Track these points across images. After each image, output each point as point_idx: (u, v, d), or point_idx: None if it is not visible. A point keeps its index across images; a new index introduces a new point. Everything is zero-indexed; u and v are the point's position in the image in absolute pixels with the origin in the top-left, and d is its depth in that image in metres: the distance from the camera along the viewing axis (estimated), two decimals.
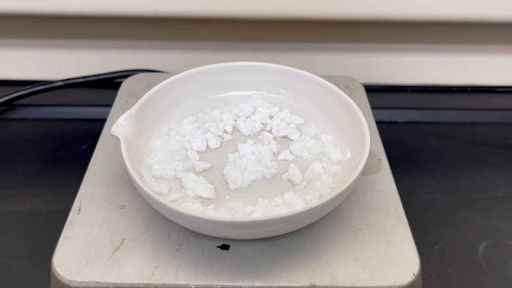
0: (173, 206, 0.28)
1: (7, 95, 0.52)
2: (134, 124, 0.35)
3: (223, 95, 0.42)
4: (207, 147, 0.37)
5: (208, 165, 0.35)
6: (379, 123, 0.43)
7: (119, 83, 0.48)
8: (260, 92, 0.42)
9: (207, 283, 0.30)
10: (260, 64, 0.41)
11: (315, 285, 0.30)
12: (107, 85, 0.56)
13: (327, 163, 0.36)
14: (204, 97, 0.41)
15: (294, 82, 0.40)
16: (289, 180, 0.34)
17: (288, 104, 0.41)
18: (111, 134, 0.34)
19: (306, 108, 0.41)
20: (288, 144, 0.37)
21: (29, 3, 0.50)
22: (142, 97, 0.37)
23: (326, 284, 0.30)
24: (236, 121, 0.39)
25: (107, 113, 0.44)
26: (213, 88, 0.41)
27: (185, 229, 0.33)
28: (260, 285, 0.30)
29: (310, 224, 0.33)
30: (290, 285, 0.30)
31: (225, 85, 0.41)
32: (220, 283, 0.30)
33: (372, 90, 0.57)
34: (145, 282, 0.30)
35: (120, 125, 0.34)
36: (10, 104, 0.53)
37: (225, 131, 0.38)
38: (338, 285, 0.30)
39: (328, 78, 0.42)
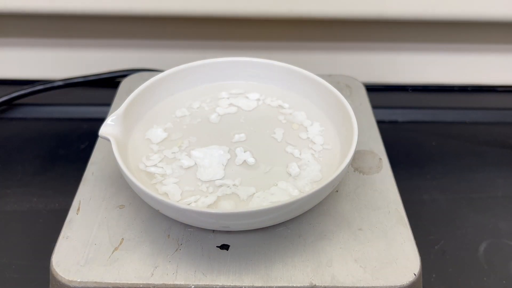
0: (169, 201, 0.29)
1: (7, 94, 0.52)
2: (123, 123, 0.35)
3: (211, 87, 0.42)
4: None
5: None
6: (379, 123, 0.43)
7: (119, 83, 0.48)
8: (249, 82, 0.42)
9: (207, 283, 0.29)
10: (247, 59, 0.41)
11: (315, 285, 0.29)
12: (107, 84, 0.56)
13: (316, 150, 0.36)
14: (194, 92, 0.42)
15: (281, 76, 0.41)
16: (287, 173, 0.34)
17: (277, 96, 0.42)
18: (100, 136, 0.34)
19: (295, 100, 0.41)
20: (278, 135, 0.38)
21: (29, 2, 0.50)
22: (130, 96, 0.37)
23: (326, 284, 0.30)
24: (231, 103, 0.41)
25: (107, 113, 0.44)
26: (201, 83, 0.42)
27: (185, 228, 0.33)
28: (260, 285, 0.29)
29: (310, 224, 0.33)
30: (290, 285, 0.30)
31: (213, 79, 0.42)
32: (220, 283, 0.30)
33: (373, 89, 0.56)
34: (144, 282, 0.29)
35: (109, 126, 0.34)
36: (10, 104, 0.53)
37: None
38: (339, 285, 0.29)
39: (328, 77, 0.42)
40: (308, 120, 0.39)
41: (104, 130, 0.34)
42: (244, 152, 0.36)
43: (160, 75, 0.39)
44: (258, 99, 0.41)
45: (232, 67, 0.42)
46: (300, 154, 0.36)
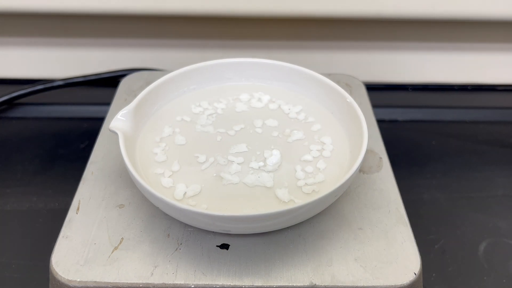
0: (172, 201, 0.29)
1: (7, 94, 0.52)
2: (133, 119, 0.35)
3: (221, 88, 0.42)
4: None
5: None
6: (379, 122, 0.43)
7: (119, 82, 0.48)
8: (258, 84, 0.42)
9: (207, 283, 0.29)
10: (257, 60, 0.41)
11: (315, 284, 0.29)
12: (107, 83, 0.56)
13: (320, 151, 0.36)
14: (203, 92, 0.41)
15: (290, 77, 0.41)
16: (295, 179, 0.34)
17: (285, 98, 0.41)
18: (109, 130, 0.34)
19: (303, 102, 0.41)
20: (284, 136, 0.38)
21: (29, 2, 0.50)
22: (141, 92, 0.37)
23: (326, 284, 0.29)
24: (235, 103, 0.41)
25: (106, 112, 0.44)
26: (212, 83, 0.42)
27: (185, 228, 0.33)
28: (260, 284, 0.29)
29: (310, 223, 0.33)
30: (290, 284, 0.29)
31: (223, 79, 0.42)
32: (220, 283, 0.29)
33: (373, 88, 0.56)
34: (144, 281, 0.29)
35: (119, 120, 0.34)
36: (10, 103, 0.53)
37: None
38: (339, 284, 0.29)
39: (328, 76, 0.42)
40: (318, 124, 0.39)
41: (114, 124, 0.34)
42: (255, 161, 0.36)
43: (177, 71, 0.39)
44: (265, 101, 0.41)
45: (242, 67, 0.42)
46: (308, 157, 0.36)
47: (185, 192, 0.33)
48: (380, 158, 0.39)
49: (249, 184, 0.33)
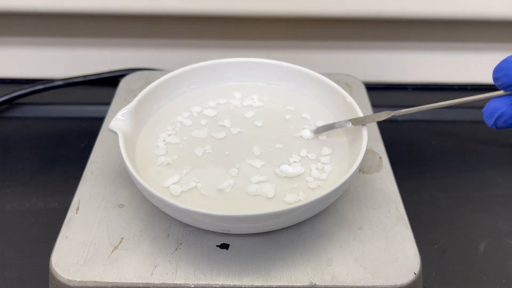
0: (171, 200, 0.29)
1: (7, 94, 0.52)
2: (133, 119, 0.35)
3: (221, 88, 0.42)
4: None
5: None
6: (379, 122, 0.43)
7: (119, 82, 0.48)
8: (258, 83, 0.42)
9: (207, 283, 0.29)
10: (257, 60, 0.41)
11: (315, 284, 0.29)
12: (107, 83, 0.56)
13: (319, 151, 0.36)
14: (203, 92, 0.41)
15: (291, 77, 0.41)
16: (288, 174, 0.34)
17: (284, 97, 0.41)
18: (109, 129, 0.34)
19: (303, 102, 0.41)
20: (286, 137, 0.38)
21: (29, 2, 0.50)
22: (141, 92, 0.37)
23: (326, 284, 0.29)
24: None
25: (106, 112, 0.44)
26: (212, 83, 0.42)
27: (185, 228, 0.33)
28: (260, 284, 0.29)
29: (310, 223, 0.33)
30: (290, 284, 0.29)
31: (222, 79, 0.42)
32: (220, 283, 0.29)
33: (372, 88, 0.56)
34: (144, 281, 0.29)
35: (118, 120, 0.34)
36: (10, 103, 0.53)
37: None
38: (339, 284, 0.29)
39: (328, 76, 0.42)
40: (317, 124, 0.38)
41: (114, 124, 0.34)
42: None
43: (175, 72, 0.39)
44: (266, 100, 0.41)
45: (241, 67, 0.42)
46: (308, 157, 0.36)
47: (185, 191, 0.33)
48: (380, 158, 0.39)
49: (249, 185, 0.33)
